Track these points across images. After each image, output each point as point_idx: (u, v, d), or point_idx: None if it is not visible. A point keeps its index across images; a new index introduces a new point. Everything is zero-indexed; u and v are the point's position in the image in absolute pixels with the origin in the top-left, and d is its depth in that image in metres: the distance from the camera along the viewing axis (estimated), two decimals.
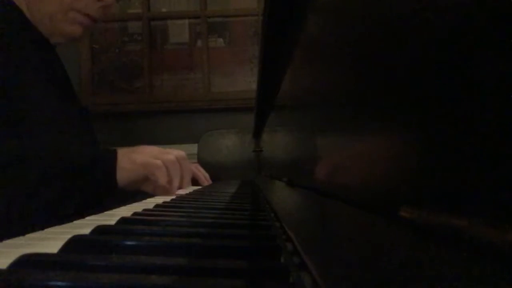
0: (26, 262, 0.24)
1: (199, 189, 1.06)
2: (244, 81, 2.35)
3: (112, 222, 0.41)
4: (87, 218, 0.46)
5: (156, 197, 0.81)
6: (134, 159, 0.80)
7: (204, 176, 1.14)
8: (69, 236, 0.30)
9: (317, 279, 0.18)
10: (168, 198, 0.73)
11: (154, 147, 0.86)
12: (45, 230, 0.38)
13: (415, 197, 0.14)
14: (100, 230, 0.35)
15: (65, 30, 0.91)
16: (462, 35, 0.11)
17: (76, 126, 0.92)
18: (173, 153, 0.86)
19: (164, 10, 2.47)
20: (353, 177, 0.22)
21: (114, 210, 0.55)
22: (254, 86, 1.30)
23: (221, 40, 2.43)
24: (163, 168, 0.81)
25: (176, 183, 0.85)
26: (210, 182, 1.05)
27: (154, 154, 0.83)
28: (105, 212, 0.53)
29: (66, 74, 0.99)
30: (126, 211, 0.52)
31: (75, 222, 0.43)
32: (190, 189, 0.96)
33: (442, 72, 0.12)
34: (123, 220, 0.42)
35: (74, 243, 0.29)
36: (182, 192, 0.87)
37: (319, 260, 0.20)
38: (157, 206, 0.60)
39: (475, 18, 0.10)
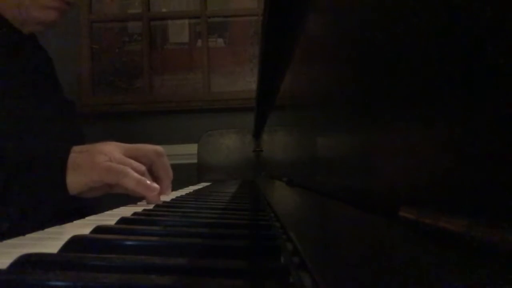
0: (26, 262, 0.24)
1: (199, 189, 1.05)
2: (244, 81, 2.35)
3: (112, 222, 0.41)
4: (87, 218, 0.46)
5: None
6: (93, 157, 0.62)
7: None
8: (69, 236, 0.30)
9: (317, 279, 0.18)
10: (168, 198, 0.72)
11: (119, 144, 0.69)
12: (45, 230, 0.38)
13: (415, 197, 0.14)
14: (100, 230, 0.35)
15: (37, 17, 0.82)
16: (459, 36, 0.10)
17: (45, 121, 0.80)
18: (145, 147, 0.69)
19: (164, 10, 2.47)
20: (353, 177, 0.22)
21: (114, 210, 0.55)
22: (254, 86, 1.30)
23: (221, 40, 2.43)
24: (130, 173, 0.62)
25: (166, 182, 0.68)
26: (168, 192, 0.72)
27: (120, 150, 0.65)
28: (105, 212, 0.53)
29: (47, 66, 0.91)
30: (126, 211, 0.52)
31: (75, 222, 0.43)
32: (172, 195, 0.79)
33: (441, 72, 0.12)
34: (123, 220, 0.42)
35: (74, 243, 0.29)
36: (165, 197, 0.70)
37: (319, 260, 0.20)
38: (157, 206, 0.60)
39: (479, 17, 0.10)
